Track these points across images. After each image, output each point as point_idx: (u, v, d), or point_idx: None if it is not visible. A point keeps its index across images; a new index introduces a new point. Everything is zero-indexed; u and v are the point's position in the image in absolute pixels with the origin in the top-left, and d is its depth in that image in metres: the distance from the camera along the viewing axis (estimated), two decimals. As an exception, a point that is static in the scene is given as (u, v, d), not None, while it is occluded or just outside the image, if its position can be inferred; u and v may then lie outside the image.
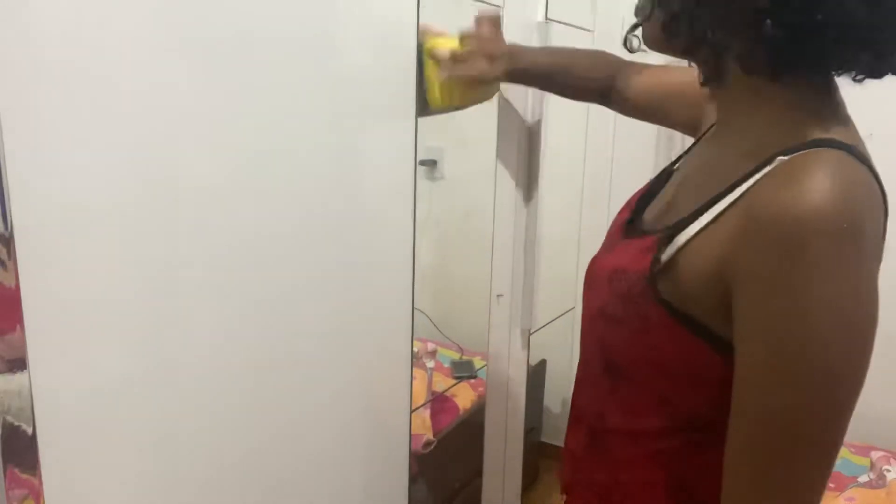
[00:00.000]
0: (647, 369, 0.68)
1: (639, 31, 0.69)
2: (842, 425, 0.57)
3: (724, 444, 0.61)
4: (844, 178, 0.55)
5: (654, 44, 0.68)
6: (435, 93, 1.03)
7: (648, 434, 0.71)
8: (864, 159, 0.57)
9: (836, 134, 0.59)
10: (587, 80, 1.10)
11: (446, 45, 1.03)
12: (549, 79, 1.13)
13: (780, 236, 0.54)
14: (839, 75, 0.62)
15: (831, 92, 0.63)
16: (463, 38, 1.06)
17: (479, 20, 1.06)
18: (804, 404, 0.56)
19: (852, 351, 0.55)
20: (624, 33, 0.72)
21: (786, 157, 0.57)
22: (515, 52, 1.10)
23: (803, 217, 0.53)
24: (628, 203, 0.81)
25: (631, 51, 0.73)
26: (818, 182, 0.54)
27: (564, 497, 0.85)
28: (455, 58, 1.04)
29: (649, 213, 0.76)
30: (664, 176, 0.79)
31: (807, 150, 0.57)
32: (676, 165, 0.80)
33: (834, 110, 0.62)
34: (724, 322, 0.60)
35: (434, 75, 1.03)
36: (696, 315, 0.62)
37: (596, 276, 0.74)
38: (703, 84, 0.67)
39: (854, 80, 0.61)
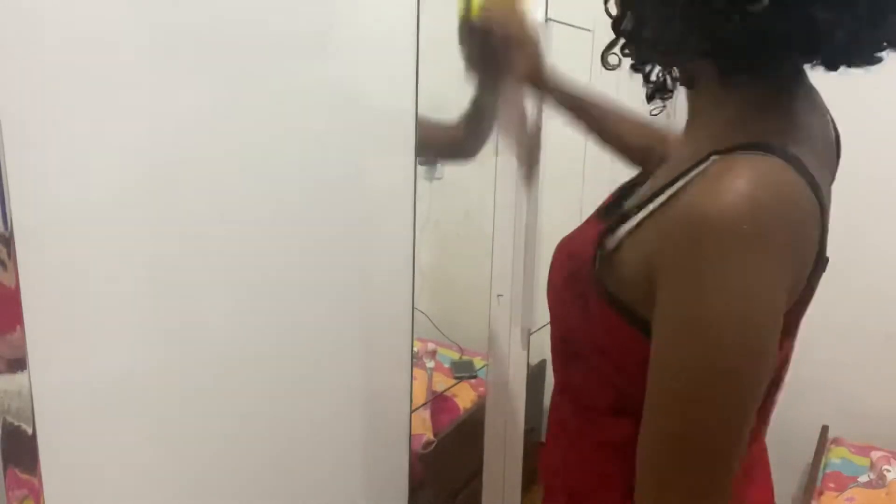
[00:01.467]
0: (591, 350, 0.70)
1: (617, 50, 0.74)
2: (733, 416, 0.58)
3: None
4: (760, 183, 0.56)
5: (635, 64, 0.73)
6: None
7: (598, 411, 0.73)
8: (799, 166, 0.58)
9: (777, 138, 0.60)
10: (625, 132, 1.05)
11: None
12: (581, 103, 1.06)
13: (687, 233, 0.57)
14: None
15: (789, 93, 0.64)
16: None
17: None
18: (696, 394, 0.58)
19: (740, 348, 0.56)
20: (601, 52, 0.76)
21: (718, 158, 0.59)
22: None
23: (709, 216, 0.55)
24: (620, 187, 0.83)
25: (608, 68, 0.77)
26: (733, 185, 0.55)
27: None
28: None
29: (630, 202, 0.77)
30: (656, 164, 0.79)
31: (737, 154, 0.58)
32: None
33: (784, 113, 0.63)
34: (651, 310, 0.61)
35: None
36: (631, 305, 0.64)
37: (556, 256, 0.77)
38: (683, 85, 0.71)
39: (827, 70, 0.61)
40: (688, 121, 0.72)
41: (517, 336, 1.47)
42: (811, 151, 0.62)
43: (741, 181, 0.56)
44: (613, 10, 0.72)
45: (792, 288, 0.60)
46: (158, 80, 0.65)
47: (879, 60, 0.60)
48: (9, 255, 0.54)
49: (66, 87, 0.57)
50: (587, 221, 0.78)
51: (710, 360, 0.57)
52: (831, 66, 0.60)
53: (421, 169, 1.14)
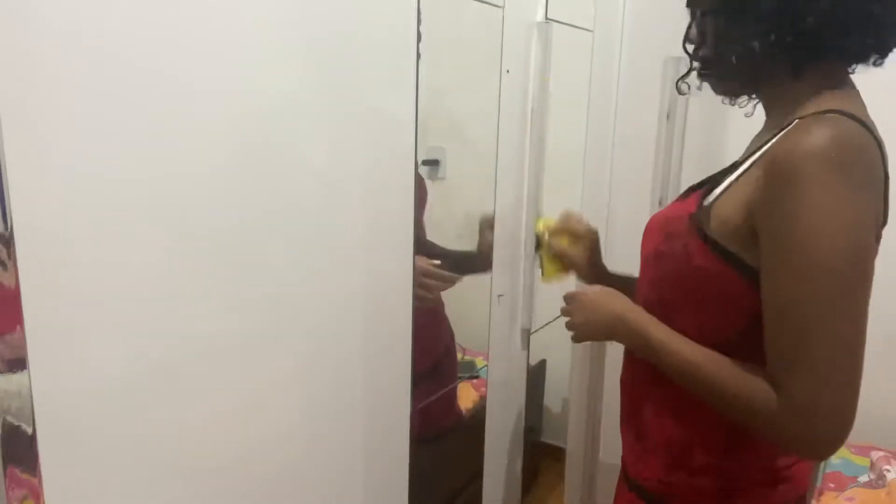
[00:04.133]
0: (687, 300, 0.82)
1: (689, 79, 0.90)
2: (843, 311, 0.70)
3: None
4: (837, 129, 0.70)
5: (719, 91, 0.89)
6: (541, 267, 1.28)
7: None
8: (864, 125, 0.72)
9: (843, 107, 0.74)
10: None
11: (549, 223, 1.24)
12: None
13: (783, 169, 0.70)
14: (853, 66, 0.80)
15: (845, 82, 0.80)
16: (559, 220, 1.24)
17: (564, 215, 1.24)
18: (807, 289, 0.70)
19: (840, 248, 0.69)
20: (676, 79, 0.93)
21: (799, 120, 0.74)
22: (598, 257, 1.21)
23: (800, 153, 0.69)
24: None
25: (681, 93, 0.93)
26: (816, 131, 0.70)
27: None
28: (549, 233, 1.23)
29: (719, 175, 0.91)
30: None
31: (817, 114, 0.73)
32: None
33: (846, 92, 0.78)
34: (752, 252, 0.75)
35: (543, 253, 1.26)
36: (729, 247, 0.77)
37: (650, 227, 0.91)
38: (753, 91, 0.87)
39: (874, 64, 0.79)
40: (766, 121, 0.86)
41: (517, 336, 1.47)
42: (867, 118, 0.75)
43: (825, 128, 0.70)
44: (690, 45, 0.87)
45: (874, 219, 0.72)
46: (159, 81, 0.65)
47: None
48: (9, 255, 0.54)
49: (66, 87, 0.57)
50: (672, 202, 0.91)
51: (821, 261, 0.69)
52: (884, 50, 0.77)
53: (423, 169, 1.14)
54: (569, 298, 1.07)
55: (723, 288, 0.78)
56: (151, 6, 0.63)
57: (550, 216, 1.28)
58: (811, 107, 0.76)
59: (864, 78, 0.82)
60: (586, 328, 1.01)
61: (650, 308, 0.89)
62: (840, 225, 0.68)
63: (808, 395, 0.71)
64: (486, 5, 1.20)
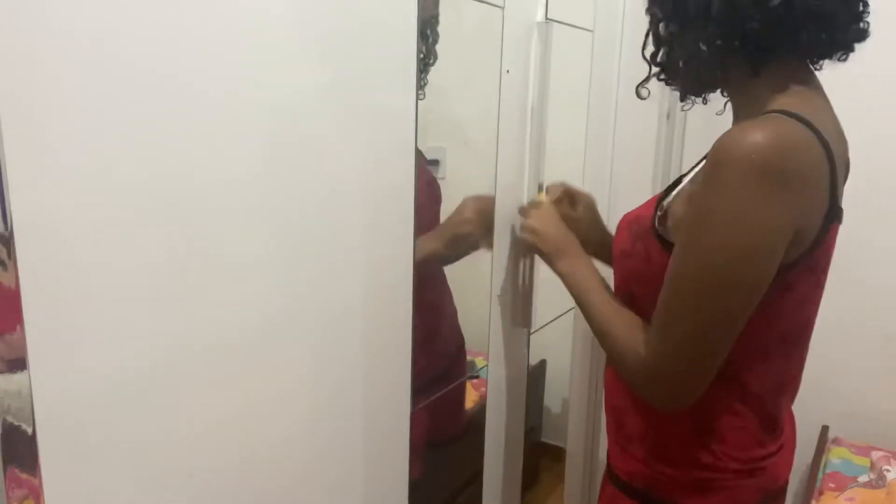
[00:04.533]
0: (652, 298, 0.84)
1: (649, 84, 0.93)
2: (710, 302, 0.76)
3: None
4: (772, 130, 0.72)
5: (682, 94, 0.93)
6: None
7: None
8: (810, 125, 0.74)
9: (794, 106, 0.76)
10: None
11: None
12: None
13: (711, 163, 0.73)
14: (817, 62, 0.83)
15: (806, 79, 0.82)
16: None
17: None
18: (687, 272, 0.76)
19: (728, 246, 0.73)
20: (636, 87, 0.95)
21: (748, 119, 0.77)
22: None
23: (728, 151, 0.72)
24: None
25: (640, 97, 0.95)
26: (750, 129, 0.72)
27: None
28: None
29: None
30: None
31: (763, 115, 0.76)
32: None
33: (798, 92, 0.80)
34: None
35: None
36: None
37: (619, 226, 0.96)
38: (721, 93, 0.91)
39: (839, 59, 0.82)
40: (733, 119, 0.88)
41: (517, 336, 1.47)
42: (819, 117, 0.77)
43: (758, 131, 0.72)
44: (648, 52, 0.90)
45: (802, 222, 0.75)
46: (159, 81, 0.65)
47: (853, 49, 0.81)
48: (9, 255, 0.54)
49: (67, 87, 0.57)
50: (647, 201, 0.96)
51: (707, 250, 0.74)
52: (843, 46, 0.80)
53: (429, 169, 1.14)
54: (536, 206, 1.19)
55: None
56: (151, 6, 0.63)
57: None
58: (770, 105, 0.79)
59: (859, 72, 0.86)
60: (538, 235, 1.14)
61: (622, 302, 0.95)
62: (739, 228, 0.72)
63: (656, 359, 0.80)
64: (486, 5, 1.20)
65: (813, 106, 0.79)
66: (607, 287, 0.97)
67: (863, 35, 0.80)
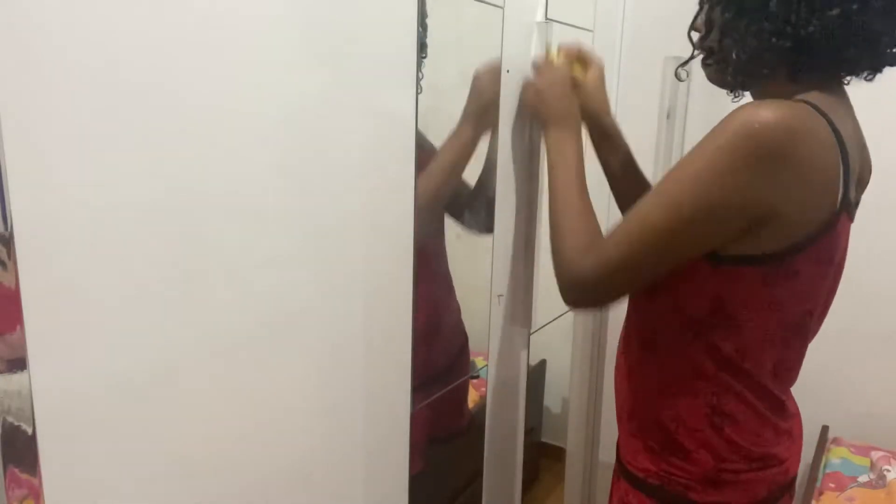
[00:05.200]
0: (662, 282, 0.87)
1: (688, 67, 0.97)
2: (665, 229, 0.81)
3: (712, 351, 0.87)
4: (786, 110, 0.73)
5: (715, 82, 0.92)
6: None
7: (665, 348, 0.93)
8: (824, 115, 0.76)
9: (813, 100, 0.77)
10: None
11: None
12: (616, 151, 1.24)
13: (720, 124, 0.76)
14: (847, 77, 0.83)
15: (834, 89, 0.82)
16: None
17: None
18: (654, 201, 0.82)
19: (701, 194, 0.77)
20: (675, 67, 1.00)
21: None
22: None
23: (737, 116, 0.74)
24: None
25: (679, 80, 1.00)
26: (765, 105, 0.74)
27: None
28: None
29: None
30: None
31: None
32: None
33: (822, 96, 0.80)
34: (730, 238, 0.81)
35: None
36: None
37: None
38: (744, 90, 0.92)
39: (865, 79, 0.83)
40: None
41: (517, 336, 1.47)
42: (840, 117, 0.79)
43: (773, 106, 0.74)
44: (695, 34, 0.92)
45: (795, 205, 0.76)
46: (159, 80, 0.65)
47: None
48: (9, 255, 0.54)
49: (67, 87, 0.57)
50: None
51: (678, 189, 0.79)
52: (879, 66, 0.82)
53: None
54: (549, 66, 1.19)
55: (688, 272, 0.85)
56: (151, 6, 0.63)
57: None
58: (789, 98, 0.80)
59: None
60: (540, 98, 1.15)
61: (631, 296, 0.98)
62: (712, 182, 0.76)
63: (592, 261, 0.87)
64: (486, 5, 1.20)
65: (833, 107, 0.80)
66: (582, 174, 1.00)
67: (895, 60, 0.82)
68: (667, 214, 0.80)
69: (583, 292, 0.90)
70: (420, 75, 1.00)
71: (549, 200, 0.99)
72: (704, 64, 0.91)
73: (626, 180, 1.24)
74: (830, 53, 0.79)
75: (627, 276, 0.86)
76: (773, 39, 0.79)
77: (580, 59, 1.24)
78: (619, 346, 1.02)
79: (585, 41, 1.27)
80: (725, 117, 0.77)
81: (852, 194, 0.82)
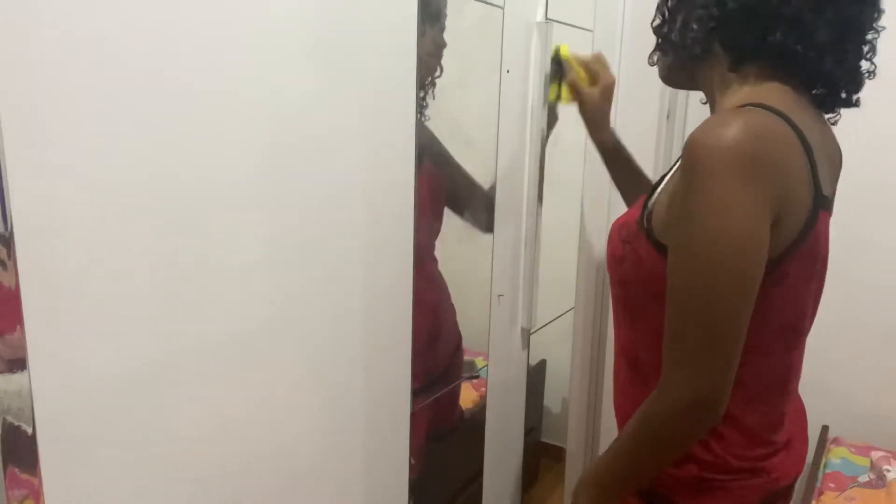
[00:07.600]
0: (647, 300, 0.85)
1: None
2: (717, 302, 0.74)
3: None
4: (742, 121, 0.72)
5: (666, 80, 0.95)
6: (554, 90, 1.33)
7: (651, 367, 0.87)
8: (780, 114, 0.75)
9: (763, 100, 0.77)
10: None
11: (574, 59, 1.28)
12: (618, 157, 1.25)
13: (687, 158, 0.73)
14: (785, 69, 0.82)
15: (779, 80, 0.82)
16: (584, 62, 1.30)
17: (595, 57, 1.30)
18: (687, 281, 0.75)
19: (721, 242, 0.72)
20: (649, 54, 0.97)
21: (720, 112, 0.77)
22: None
23: (703, 145, 0.72)
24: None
25: (652, 65, 0.96)
26: (720, 122, 0.72)
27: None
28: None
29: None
30: None
31: (736, 108, 0.77)
32: None
33: (773, 88, 0.81)
34: None
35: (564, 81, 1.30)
36: (669, 243, 0.79)
37: (611, 232, 0.95)
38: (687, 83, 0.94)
39: (851, 105, 0.84)
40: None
41: (517, 336, 1.47)
42: (796, 116, 0.77)
43: (727, 120, 0.72)
44: (656, 21, 0.93)
45: (784, 209, 0.75)
46: (159, 80, 0.65)
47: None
48: (9, 255, 0.54)
49: (67, 87, 0.57)
50: (634, 205, 0.96)
51: (703, 253, 0.73)
52: (822, 64, 0.80)
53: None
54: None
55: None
56: (151, 5, 0.63)
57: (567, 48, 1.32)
58: (744, 102, 0.80)
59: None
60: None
61: (618, 306, 0.94)
62: (725, 222, 0.72)
63: (680, 384, 0.77)
64: (486, 5, 1.20)
65: (786, 101, 0.80)
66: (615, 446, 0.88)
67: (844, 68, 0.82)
68: (721, 290, 0.73)
69: (714, 406, 0.79)
70: (432, 95, 1.02)
71: (638, 451, 0.86)
72: (660, 50, 0.93)
73: (631, 186, 1.25)
74: (754, 35, 0.80)
75: (725, 362, 0.77)
76: (700, 11, 0.83)
77: (590, 69, 1.25)
78: (615, 355, 1.02)
79: (606, 60, 1.29)
80: (686, 148, 0.74)
81: (826, 188, 0.81)
